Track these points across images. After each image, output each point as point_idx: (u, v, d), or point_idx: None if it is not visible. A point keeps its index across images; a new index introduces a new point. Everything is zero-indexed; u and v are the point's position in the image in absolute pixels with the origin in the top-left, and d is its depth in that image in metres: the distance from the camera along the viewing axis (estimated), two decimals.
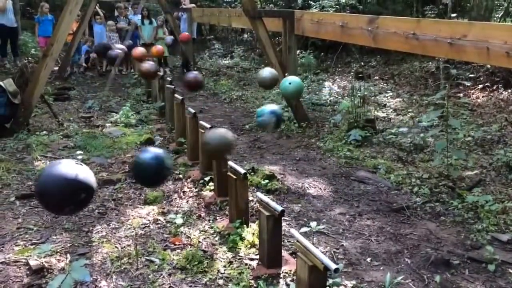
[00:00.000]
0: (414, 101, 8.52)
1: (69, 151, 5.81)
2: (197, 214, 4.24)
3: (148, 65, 6.50)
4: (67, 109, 8.18)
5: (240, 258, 3.50)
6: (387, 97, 8.90)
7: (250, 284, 3.17)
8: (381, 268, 3.47)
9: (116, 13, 12.81)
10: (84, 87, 10.19)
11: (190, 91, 6.89)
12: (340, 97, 9.01)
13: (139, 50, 8.26)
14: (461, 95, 8.50)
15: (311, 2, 11.98)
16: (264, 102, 8.71)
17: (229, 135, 3.50)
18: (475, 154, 5.82)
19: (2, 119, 6.31)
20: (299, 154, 6.03)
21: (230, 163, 4.01)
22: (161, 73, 8.09)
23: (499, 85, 8.47)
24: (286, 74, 5.98)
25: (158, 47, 9.43)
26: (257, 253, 3.49)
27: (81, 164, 2.32)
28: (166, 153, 2.93)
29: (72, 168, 2.26)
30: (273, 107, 4.14)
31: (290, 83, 4.54)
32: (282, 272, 3.27)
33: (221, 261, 3.47)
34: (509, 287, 3.26)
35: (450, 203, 4.49)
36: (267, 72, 4.86)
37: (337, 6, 11.36)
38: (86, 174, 2.30)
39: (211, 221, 4.11)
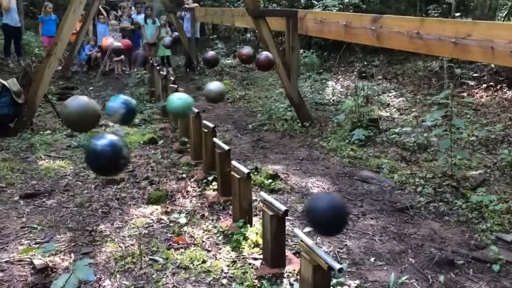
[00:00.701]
0: (417, 100, 8.50)
1: (72, 151, 5.83)
2: (200, 214, 4.24)
3: (247, 50, 6.54)
4: None
5: (243, 258, 3.50)
6: (390, 96, 8.88)
7: (254, 283, 3.17)
8: (385, 268, 3.46)
9: (119, 13, 12.82)
10: (88, 86, 10.20)
11: (261, 70, 7.30)
12: (343, 97, 9.00)
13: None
14: (465, 94, 8.48)
15: (314, 2, 11.96)
16: (267, 102, 8.71)
17: (93, 105, 3.29)
18: (479, 154, 5.81)
19: (6, 119, 6.33)
20: (303, 154, 6.02)
21: (234, 162, 4.01)
22: (164, 73, 8.10)
23: (503, 85, 8.45)
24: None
25: (108, 41, 9.89)
26: (260, 252, 3.49)
27: None
28: (123, 141, 2.86)
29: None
30: (129, 99, 3.90)
31: (179, 99, 4.40)
32: (286, 272, 3.27)
33: (225, 261, 3.47)
34: None
35: (454, 203, 4.48)
36: (213, 86, 4.81)
37: (340, 6, 11.35)
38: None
39: (214, 221, 4.11)
